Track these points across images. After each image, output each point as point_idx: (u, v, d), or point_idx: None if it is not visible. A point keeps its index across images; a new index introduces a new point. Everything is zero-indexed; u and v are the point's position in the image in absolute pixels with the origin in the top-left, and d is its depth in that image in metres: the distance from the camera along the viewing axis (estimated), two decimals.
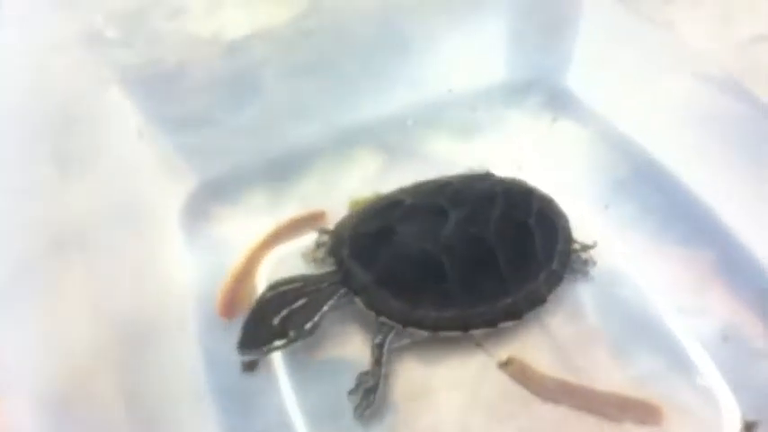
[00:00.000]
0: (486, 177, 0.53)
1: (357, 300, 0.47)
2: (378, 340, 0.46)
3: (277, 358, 0.47)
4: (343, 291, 0.47)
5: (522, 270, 0.48)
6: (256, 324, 0.45)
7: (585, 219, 0.52)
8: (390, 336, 0.46)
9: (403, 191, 0.52)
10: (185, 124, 0.54)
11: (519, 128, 0.60)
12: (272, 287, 0.47)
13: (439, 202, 0.49)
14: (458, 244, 0.47)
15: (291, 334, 0.45)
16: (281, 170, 0.57)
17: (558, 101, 0.60)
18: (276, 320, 0.45)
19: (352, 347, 0.48)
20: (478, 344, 0.48)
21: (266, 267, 0.52)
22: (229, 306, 0.49)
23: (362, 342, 0.48)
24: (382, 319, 0.46)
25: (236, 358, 0.45)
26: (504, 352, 0.47)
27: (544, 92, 0.60)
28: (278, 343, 0.45)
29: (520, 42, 0.60)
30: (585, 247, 0.51)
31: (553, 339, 0.48)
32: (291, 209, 0.55)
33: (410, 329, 0.46)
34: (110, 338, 0.41)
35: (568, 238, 0.50)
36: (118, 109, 0.50)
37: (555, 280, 0.48)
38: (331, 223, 0.52)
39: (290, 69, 0.56)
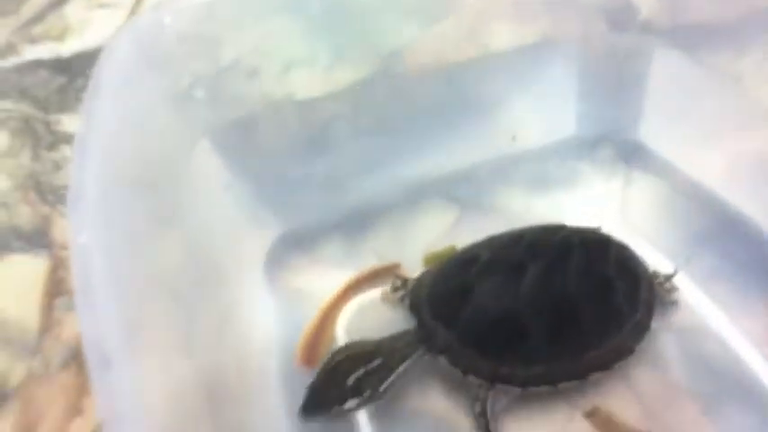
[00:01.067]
0: (560, 229, 0.53)
1: (441, 359, 0.47)
2: (478, 409, 0.46)
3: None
4: (420, 351, 0.47)
5: (605, 322, 0.47)
6: (327, 386, 0.45)
7: (666, 271, 0.51)
8: (489, 400, 0.46)
9: (477, 245, 0.52)
10: (264, 179, 0.57)
11: (592, 180, 0.60)
12: (343, 350, 0.47)
13: (516, 256, 0.49)
14: (538, 298, 0.47)
15: (367, 394, 0.45)
16: (356, 223, 0.58)
17: (631, 153, 0.60)
18: (351, 380, 0.45)
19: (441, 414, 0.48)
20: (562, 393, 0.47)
21: (345, 317, 0.53)
22: (309, 355, 0.50)
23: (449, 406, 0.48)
24: (470, 377, 0.46)
25: None
26: (588, 403, 0.46)
27: (616, 145, 0.61)
28: (351, 403, 0.45)
29: (589, 98, 0.61)
30: (667, 277, 0.50)
31: (638, 392, 0.47)
32: (367, 261, 0.56)
33: (501, 388, 0.46)
34: (197, 384, 0.42)
35: (650, 285, 0.49)
36: (205, 165, 0.53)
37: (641, 330, 0.47)
38: (406, 274, 0.54)
39: (359, 127, 0.58)
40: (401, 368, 0.46)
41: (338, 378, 0.45)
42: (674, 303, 0.50)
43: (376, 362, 0.46)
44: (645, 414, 0.46)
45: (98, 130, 0.40)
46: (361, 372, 0.45)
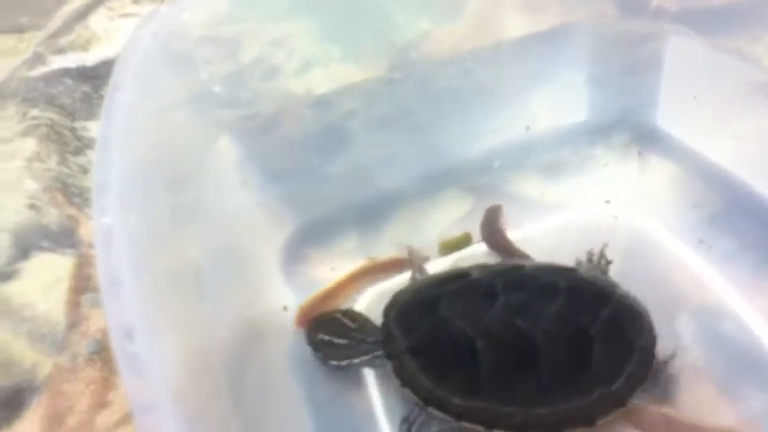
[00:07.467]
0: (569, 271, 0.48)
1: (389, 365, 0.45)
2: (405, 415, 0.44)
3: None
4: (379, 353, 0.46)
5: (568, 382, 0.42)
6: (313, 329, 0.49)
7: (680, 254, 0.51)
8: (419, 419, 0.44)
9: (479, 267, 0.49)
10: (282, 174, 0.58)
11: (606, 165, 0.60)
12: (344, 313, 0.50)
13: (495, 284, 0.46)
14: (498, 332, 0.43)
15: (319, 355, 0.48)
16: (371, 214, 0.59)
17: (645, 137, 0.60)
18: (317, 337, 0.48)
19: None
20: None
21: (362, 304, 0.54)
22: (306, 318, 0.51)
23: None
24: (406, 392, 0.44)
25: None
26: None
27: (630, 129, 0.60)
28: (318, 355, 0.48)
29: (602, 84, 0.61)
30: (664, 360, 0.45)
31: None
32: (382, 251, 0.56)
33: (435, 413, 0.43)
34: (220, 366, 0.43)
35: (647, 363, 0.43)
36: (223, 161, 0.54)
37: (612, 403, 0.42)
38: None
39: (375, 120, 0.59)
40: (356, 360, 0.47)
41: (318, 329, 0.49)
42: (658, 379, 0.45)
43: (343, 341, 0.48)
44: (661, 394, 0.45)
45: (119, 123, 0.41)
46: (327, 338, 0.48)
